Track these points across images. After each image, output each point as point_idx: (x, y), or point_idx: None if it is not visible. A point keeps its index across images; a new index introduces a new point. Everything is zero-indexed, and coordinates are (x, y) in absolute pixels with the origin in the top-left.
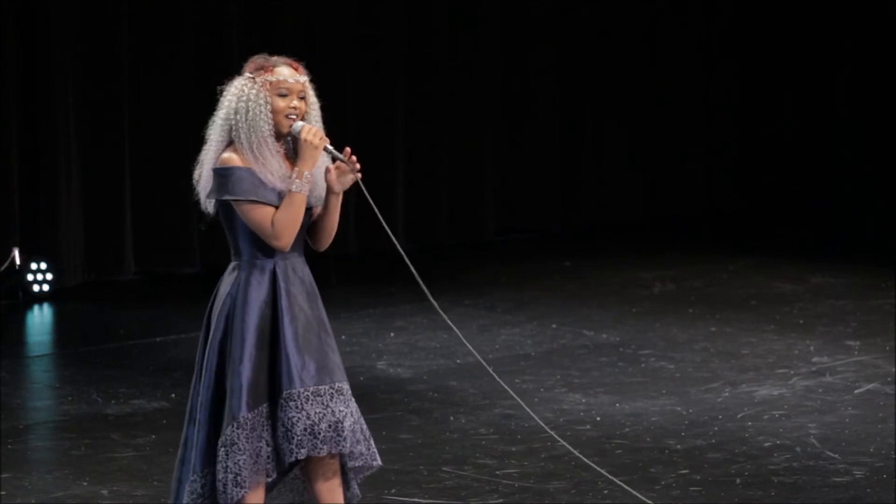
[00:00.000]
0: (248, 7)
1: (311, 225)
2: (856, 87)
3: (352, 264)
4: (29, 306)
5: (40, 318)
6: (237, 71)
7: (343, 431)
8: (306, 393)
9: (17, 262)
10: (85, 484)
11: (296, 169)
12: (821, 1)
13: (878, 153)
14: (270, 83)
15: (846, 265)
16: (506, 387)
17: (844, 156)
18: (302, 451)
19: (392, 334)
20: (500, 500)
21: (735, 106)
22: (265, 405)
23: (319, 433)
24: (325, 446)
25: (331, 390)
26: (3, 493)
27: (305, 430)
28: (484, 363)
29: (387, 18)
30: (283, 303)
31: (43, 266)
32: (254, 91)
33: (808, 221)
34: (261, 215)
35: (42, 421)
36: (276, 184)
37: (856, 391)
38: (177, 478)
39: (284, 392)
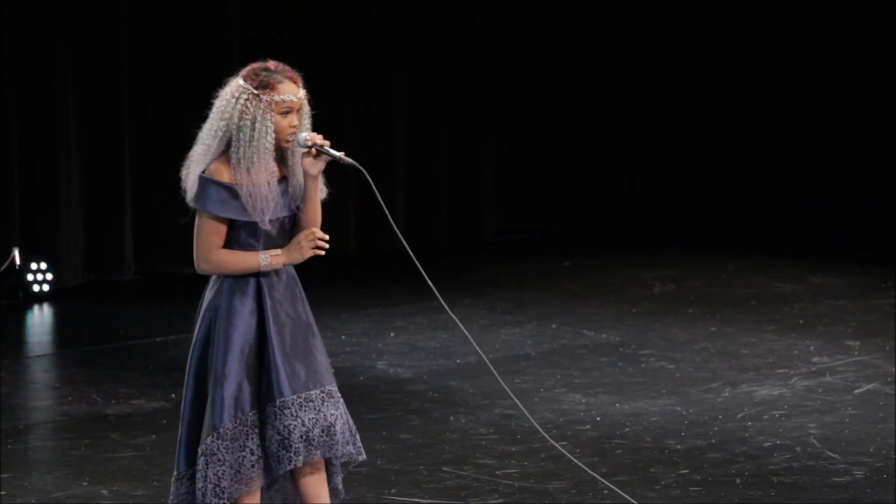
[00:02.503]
0: (248, 7)
1: (295, 221)
2: (856, 87)
3: (352, 264)
4: (29, 306)
5: (40, 318)
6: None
7: (335, 435)
8: (299, 400)
9: (17, 262)
10: (85, 484)
11: (275, 253)
12: (821, 1)
13: (878, 153)
14: (276, 103)
15: (846, 265)
16: (508, 389)
17: (844, 156)
18: (299, 458)
19: (392, 334)
20: (500, 500)
21: (735, 106)
22: (251, 413)
23: (313, 439)
24: (318, 451)
25: (322, 395)
26: (3, 493)
27: (301, 437)
28: (488, 362)
29: (387, 18)
30: (269, 310)
31: (43, 266)
32: (259, 111)
33: (808, 221)
34: (210, 235)
35: (42, 421)
36: (250, 200)
37: (856, 391)
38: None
39: (278, 401)
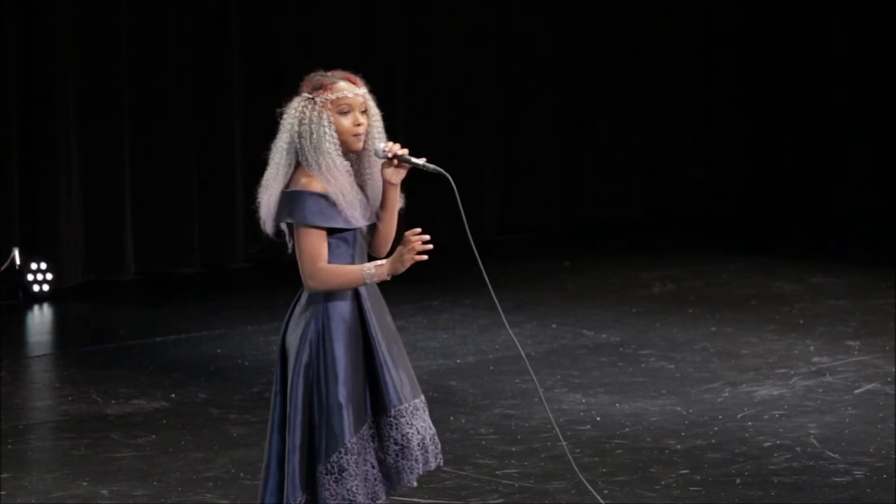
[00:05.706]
0: (249, 8)
1: (372, 230)
2: (856, 87)
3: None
4: (29, 306)
5: (40, 318)
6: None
7: (438, 444)
8: (410, 408)
9: (17, 262)
10: (85, 484)
11: (379, 263)
12: (821, 1)
13: (878, 153)
14: (331, 101)
15: (846, 265)
16: (543, 399)
17: (844, 156)
18: (419, 466)
19: None
20: (500, 500)
21: (735, 106)
22: (365, 426)
23: (428, 447)
24: (433, 460)
25: (422, 403)
26: (3, 493)
27: (419, 444)
28: (531, 371)
29: (387, 18)
30: (371, 318)
31: (43, 266)
32: (315, 112)
33: (808, 221)
34: (317, 244)
35: (42, 421)
36: (345, 204)
37: (856, 391)
38: (261, 487)
39: (393, 409)
